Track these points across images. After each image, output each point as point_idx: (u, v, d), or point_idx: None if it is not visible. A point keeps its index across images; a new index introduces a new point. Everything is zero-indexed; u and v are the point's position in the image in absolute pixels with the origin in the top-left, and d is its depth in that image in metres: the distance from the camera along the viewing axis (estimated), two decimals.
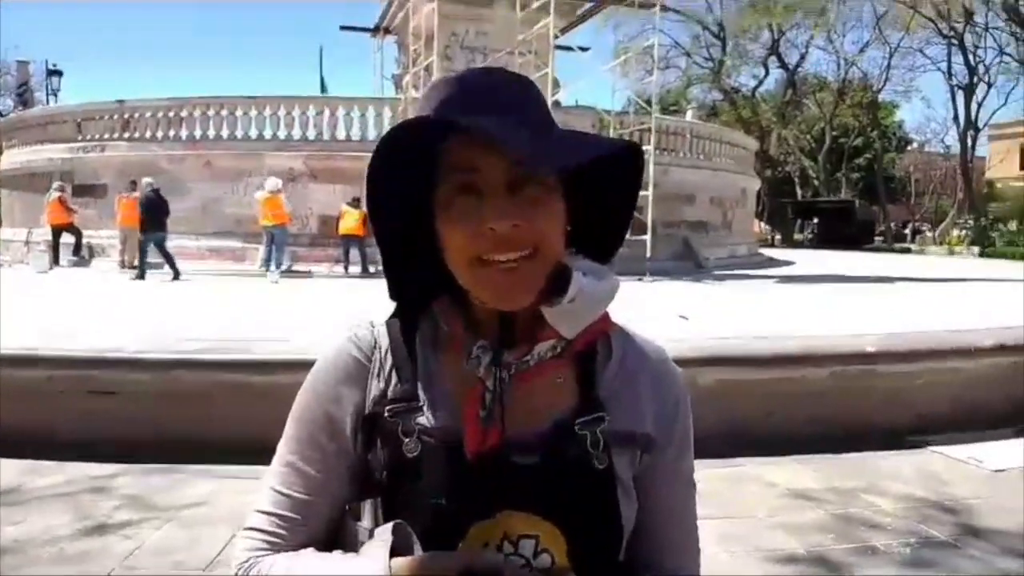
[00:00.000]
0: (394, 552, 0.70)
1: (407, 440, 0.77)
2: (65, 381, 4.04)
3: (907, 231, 38.28)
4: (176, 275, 11.36)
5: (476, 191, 0.73)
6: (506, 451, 0.76)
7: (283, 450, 0.83)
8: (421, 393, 0.80)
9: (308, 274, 12.57)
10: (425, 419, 0.78)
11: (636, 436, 0.81)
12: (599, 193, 0.81)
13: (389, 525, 0.73)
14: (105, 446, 3.80)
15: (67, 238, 13.86)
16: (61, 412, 3.99)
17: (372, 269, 11.91)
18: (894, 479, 3.79)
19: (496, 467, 0.75)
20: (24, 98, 31.86)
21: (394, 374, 0.81)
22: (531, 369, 0.79)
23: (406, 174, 0.76)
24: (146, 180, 12.11)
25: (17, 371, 4.07)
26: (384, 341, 0.83)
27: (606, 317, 0.83)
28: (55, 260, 13.39)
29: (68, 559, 2.76)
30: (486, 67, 0.86)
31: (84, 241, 14.05)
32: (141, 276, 11.36)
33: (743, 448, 3.97)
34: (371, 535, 0.75)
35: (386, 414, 0.79)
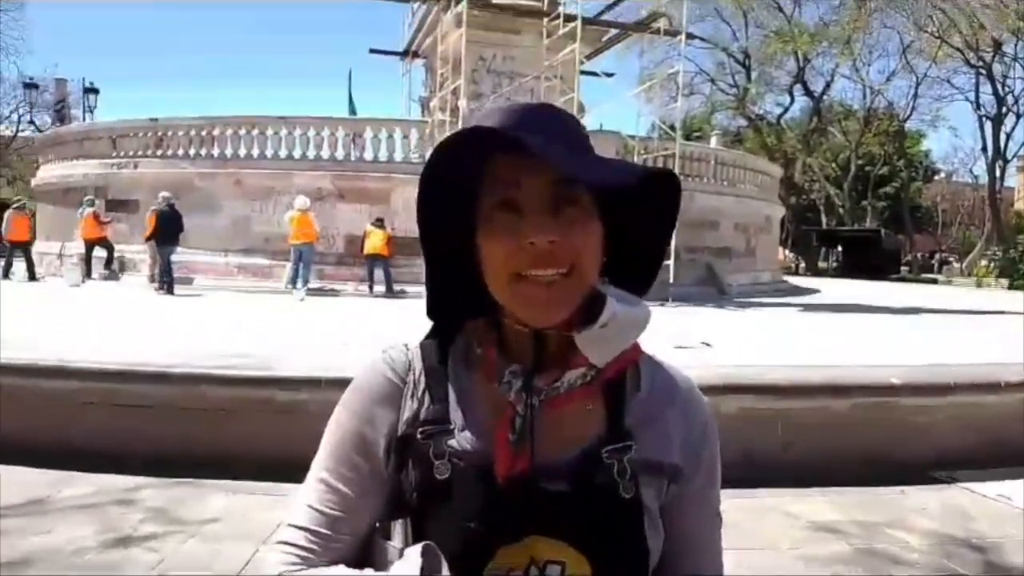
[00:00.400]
0: (423, 573, 0.72)
1: (438, 462, 0.78)
2: (93, 393, 4.10)
3: (934, 261, 37.71)
4: (160, 287, 11.66)
5: (517, 208, 0.76)
6: (535, 476, 0.77)
7: (318, 467, 0.84)
8: (453, 415, 0.81)
9: (334, 292, 12.70)
10: (456, 442, 0.80)
11: (664, 466, 0.82)
12: (634, 223, 0.83)
13: (419, 546, 0.74)
14: (131, 458, 3.84)
15: (99, 252, 14.12)
16: (88, 423, 4.06)
17: (396, 289, 12.02)
18: (920, 514, 3.72)
19: (525, 492, 0.77)
20: (61, 114, 32.72)
21: (427, 395, 0.83)
22: (561, 396, 0.80)
23: (451, 187, 0.79)
24: (163, 194, 12.34)
25: (46, 382, 4.15)
26: (418, 362, 0.85)
27: (636, 347, 0.84)
28: (87, 273, 13.64)
29: (96, 569, 2.79)
30: (532, 102, 0.90)
31: (116, 255, 14.32)
32: (170, 291, 11.57)
33: (763, 478, 3.92)
34: (401, 555, 0.77)
35: (418, 436, 0.80)
